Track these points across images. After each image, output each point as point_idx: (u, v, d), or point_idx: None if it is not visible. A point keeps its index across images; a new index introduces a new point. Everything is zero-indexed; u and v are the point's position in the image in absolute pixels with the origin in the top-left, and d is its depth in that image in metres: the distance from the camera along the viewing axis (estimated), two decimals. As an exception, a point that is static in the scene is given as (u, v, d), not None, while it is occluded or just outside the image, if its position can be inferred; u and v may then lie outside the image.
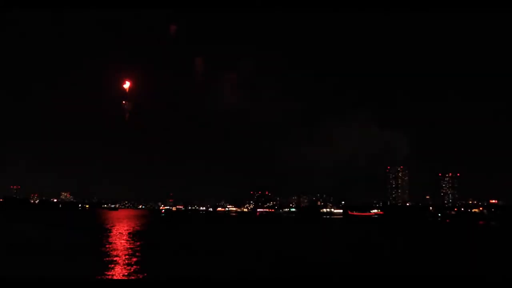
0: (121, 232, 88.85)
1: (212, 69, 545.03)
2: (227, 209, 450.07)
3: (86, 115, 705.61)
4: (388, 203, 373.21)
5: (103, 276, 35.28)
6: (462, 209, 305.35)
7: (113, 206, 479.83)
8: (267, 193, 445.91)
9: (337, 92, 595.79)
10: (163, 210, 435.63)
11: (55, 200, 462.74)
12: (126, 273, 37.03)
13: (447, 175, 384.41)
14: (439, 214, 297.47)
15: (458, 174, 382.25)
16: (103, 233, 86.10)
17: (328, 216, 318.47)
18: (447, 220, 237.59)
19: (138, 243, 65.37)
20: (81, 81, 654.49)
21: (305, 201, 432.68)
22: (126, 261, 44.05)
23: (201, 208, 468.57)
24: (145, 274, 36.87)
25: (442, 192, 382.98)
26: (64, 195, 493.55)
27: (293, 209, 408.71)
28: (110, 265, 41.11)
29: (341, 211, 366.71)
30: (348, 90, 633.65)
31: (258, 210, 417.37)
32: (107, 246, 60.29)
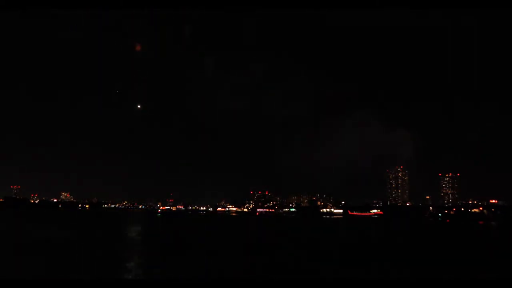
0: (117, 233, 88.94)
1: (219, 69, 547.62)
2: (227, 209, 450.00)
3: (86, 115, 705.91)
4: (388, 203, 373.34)
5: (102, 276, 35.24)
6: (462, 209, 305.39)
7: (112, 206, 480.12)
8: (267, 193, 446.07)
9: (339, 93, 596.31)
10: (159, 210, 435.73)
11: (55, 200, 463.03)
12: (125, 273, 37.01)
13: (447, 175, 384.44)
14: (439, 214, 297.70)
15: (458, 174, 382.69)
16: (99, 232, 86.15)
17: (328, 216, 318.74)
18: (447, 220, 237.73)
19: (134, 243, 65.35)
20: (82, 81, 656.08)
21: (305, 201, 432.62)
22: (125, 261, 44.04)
23: (201, 208, 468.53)
24: (144, 274, 36.87)
25: (442, 192, 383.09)
26: (64, 195, 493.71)
27: (293, 209, 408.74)
28: (109, 265, 41.11)
29: (341, 211, 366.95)
30: (350, 91, 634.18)
31: (258, 210, 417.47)
32: (105, 245, 60.32)
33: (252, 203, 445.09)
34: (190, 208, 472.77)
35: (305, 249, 64.98)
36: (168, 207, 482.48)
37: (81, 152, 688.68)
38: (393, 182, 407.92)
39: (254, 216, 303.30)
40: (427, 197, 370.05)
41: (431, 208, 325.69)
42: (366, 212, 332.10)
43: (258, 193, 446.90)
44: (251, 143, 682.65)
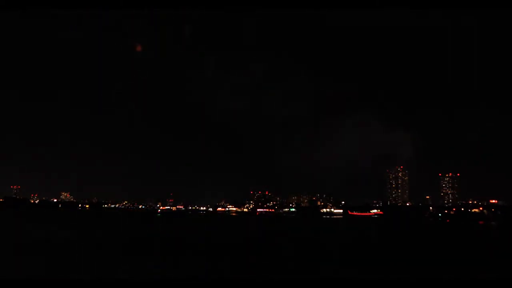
0: (117, 233, 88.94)
1: (219, 69, 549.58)
2: (227, 209, 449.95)
3: (86, 115, 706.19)
4: (388, 203, 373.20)
5: (102, 276, 35.24)
6: (462, 209, 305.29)
7: (112, 206, 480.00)
8: (267, 193, 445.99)
9: (339, 93, 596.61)
10: (159, 210, 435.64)
11: (55, 200, 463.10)
12: (125, 273, 37.00)
13: (447, 175, 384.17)
14: (439, 214, 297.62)
15: (458, 174, 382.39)
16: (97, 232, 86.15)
17: (328, 216, 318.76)
18: (447, 220, 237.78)
19: (133, 242, 65.33)
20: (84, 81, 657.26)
21: (305, 201, 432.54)
22: (125, 261, 44.03)
23: (201, 208, 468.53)
24: (144, 274, 36.84)
25: (442, 192, 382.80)
26: (64, 195, 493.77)
27: (293, 209, 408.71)
28: (109, 265, 41.10)
29: (341, 211, 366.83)
30: (350, 91, 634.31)
31: (258, 210, 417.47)
32: (104, 245, 60.32)
33: (252, 203, 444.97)
34: (190, 208, 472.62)
35: (305, 249, 64.97)
36: (168, 207, 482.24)
37: (81, 152, 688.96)
38: (393, 182, 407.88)
39: (254, 216, 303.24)
40: (427, 197, 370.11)
41: (431, 208, 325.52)
42: (366, 212, 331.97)
43: (258, 193, 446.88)
44: (251, 143, 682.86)
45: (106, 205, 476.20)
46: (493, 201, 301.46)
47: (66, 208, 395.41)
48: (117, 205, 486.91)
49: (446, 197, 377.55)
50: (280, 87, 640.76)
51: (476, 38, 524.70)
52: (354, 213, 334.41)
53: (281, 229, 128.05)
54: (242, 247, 64.64)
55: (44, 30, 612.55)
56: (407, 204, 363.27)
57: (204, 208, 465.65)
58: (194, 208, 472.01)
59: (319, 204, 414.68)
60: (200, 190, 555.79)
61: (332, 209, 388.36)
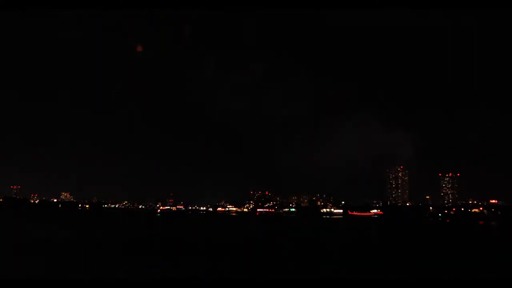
0: (117, 233, 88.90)
1: (219, 69, 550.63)
2: (227, 209, 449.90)
3: (86, 115, 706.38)
4: (388, 203, 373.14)
5: (102, 276, 35.23)
6: (462, 209, 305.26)
7: (112, 206, 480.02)
8: (267, 193, 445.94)
9: (339, 93, 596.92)
10: (159, 210, 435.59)
11: (55, 200, 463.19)
12: (125, 273, 36.99)
13: (447, 175, 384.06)
14: (439, 214, 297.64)
15: (458, 174, 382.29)
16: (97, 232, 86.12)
17: (328, 216, 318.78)
18: (447, 220, 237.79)
19: (134, 242, 65.29)
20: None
21: (305, 201, 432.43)
22: (125, 261, 44.02)
23: (201, 208, 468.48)
24: (144, 274, 36.84)
25: (442, 192, 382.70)
26: (64, 195, 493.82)
27: (293, 209, 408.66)
28: (109, 265, 41.09)
29: (341, 211, 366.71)
30: (350, 91, 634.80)
31: (258, 210, 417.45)
32: (104, 245, 60.32)
33: (252, 203, 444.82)
34: (190, 208, 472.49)
35: (305, 249, 64.98)
36: (168, 207, 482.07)
37: (81, 152, 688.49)
38: (393, 182, 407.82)
39: (254, 216, 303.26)
40: (427, 197, 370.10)
41: (431, 208, 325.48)
42: (366, 212, 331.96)
43: (258, 193, 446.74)
44: (251, 143, 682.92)
45: (106, 205, 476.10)
46: (493, 201, 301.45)
47: (66, 208, 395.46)
48: (117, 205, 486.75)
49: (446, 197, 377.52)
50: (280, 87, 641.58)
51: (476, 38, 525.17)
52: (354, 213, 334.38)
53: (281, 229, 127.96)
54: (242, 247, 64.62)
55: (44, 30, 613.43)
56: (407, 204, 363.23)
57: (204, 208, 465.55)
58: (194, 208, 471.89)
59: (319, 204, 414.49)
60: (200, 190, 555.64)
61: (332, 209, 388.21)
